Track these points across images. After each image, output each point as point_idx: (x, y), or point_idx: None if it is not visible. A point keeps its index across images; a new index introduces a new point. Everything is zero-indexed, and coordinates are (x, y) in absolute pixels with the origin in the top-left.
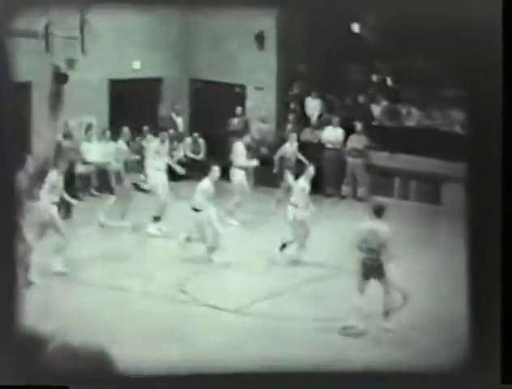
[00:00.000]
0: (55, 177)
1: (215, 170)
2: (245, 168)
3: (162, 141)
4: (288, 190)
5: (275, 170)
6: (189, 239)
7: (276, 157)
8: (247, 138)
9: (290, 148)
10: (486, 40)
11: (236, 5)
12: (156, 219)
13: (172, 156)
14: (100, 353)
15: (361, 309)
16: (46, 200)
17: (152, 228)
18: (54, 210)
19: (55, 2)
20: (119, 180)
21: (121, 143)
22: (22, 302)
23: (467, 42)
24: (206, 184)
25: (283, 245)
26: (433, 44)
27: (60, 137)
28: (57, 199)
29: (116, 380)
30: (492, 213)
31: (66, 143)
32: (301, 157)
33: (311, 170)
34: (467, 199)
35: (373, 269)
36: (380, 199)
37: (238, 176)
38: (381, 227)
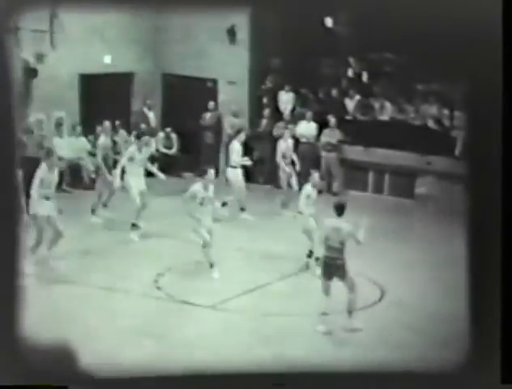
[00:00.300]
0: (44, 171)
1: (210, 173)
2: (242, 167)
3: (139, 149)
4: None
5: (280, 172)
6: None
7: (278, 157)
8: (242, 136)
9: (285, 145)
10: (486, 40)
11: (207, 3)
12: (134, 225)
13: (152, 162)
14: (63, 349)
15: (328, 314)
16: (37, 196)
17: (133, 234)
18: (46, 205)
19: None
20: (99, 174)
21: (103, 138)
22: (21, 303)
23: (468, 42)
24: (196, 187)
25: (311, 252)
26: (412, 41)
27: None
28: (49, 194)
29: (116, 381)
30: (492, 213)
31: (26, 139)
32: (295, 157)
33: (316, 177)
34: (467, 199)
35: (334, 268)
36: (353, 194)
37: (234, 174)
38: (343, 225)
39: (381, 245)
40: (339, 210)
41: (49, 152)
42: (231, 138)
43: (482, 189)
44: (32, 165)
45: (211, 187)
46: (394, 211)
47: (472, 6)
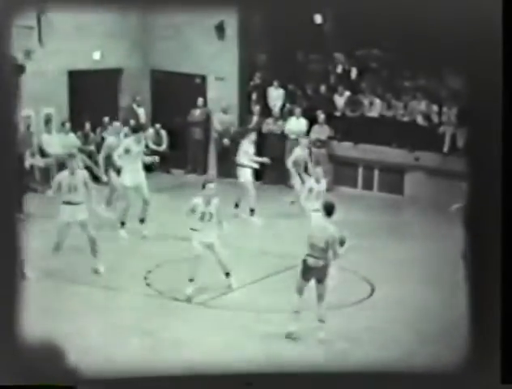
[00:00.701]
0: (64, 175)
1: (210, 188)
2: (250, 167)
3: (136, 141)
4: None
5: (292, 178)
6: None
7: (290, 163)
8: (253, 136)
9: (302, 153)
10: (486, 39)
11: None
12: (123, 223)
13: (148, 155)
14: (50, 347)
15: (300, 313)
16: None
17: (122, 232)
18: (66, 211)
19: None
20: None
21: (111, 138)
22: (21, 302)
23: (468, 42)
24: (196, 200)
25: None
26: (401, 38)
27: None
28: (71, 199)
29: (123, 381)
30: (492, 213)
31: None
32: (311, 165)
33: (318, 172)
34: (467, 199)
35: (315, 270)
36: (343, 190)
37: (243, 174)
38: (329, 225)
39: (371, 241)
40: (329, 210)
41: (72, 155)
42: (220, 134)
43: (482, 188)
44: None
45: (214, 202)
46: (384, 207)
47: (472, 6)
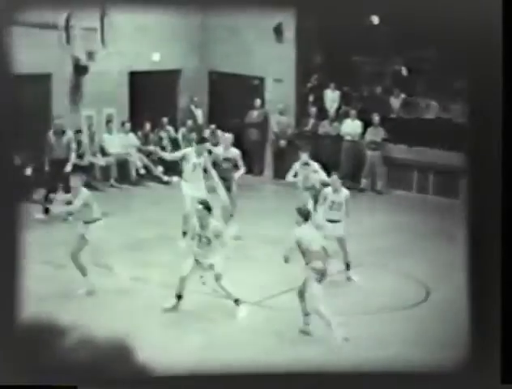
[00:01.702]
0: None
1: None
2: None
3: (198, 153)
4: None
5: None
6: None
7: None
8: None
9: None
10: (486, 39)
11: (253, 4)
12: (185, 234)
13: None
14: (121, 344)
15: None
16: None
17: (181, 242)
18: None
19: None
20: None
21: (220, 149)
22: (22, 298)
23: (468, 41)
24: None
25: (347, 265)
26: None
27: (50, 133)
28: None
29: (126, 381)
30: (492, 212)
31: (54, 141)
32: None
33: (335, 180)
34: (467, 198)
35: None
36: (398, 193)
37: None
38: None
39: (425, 244)
40: (306, 215)
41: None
42: (277, 136)
43: (482, 187)
44: (58, 167)
45: (212, 225)
46: (439, 210)
47: (472, 6)
